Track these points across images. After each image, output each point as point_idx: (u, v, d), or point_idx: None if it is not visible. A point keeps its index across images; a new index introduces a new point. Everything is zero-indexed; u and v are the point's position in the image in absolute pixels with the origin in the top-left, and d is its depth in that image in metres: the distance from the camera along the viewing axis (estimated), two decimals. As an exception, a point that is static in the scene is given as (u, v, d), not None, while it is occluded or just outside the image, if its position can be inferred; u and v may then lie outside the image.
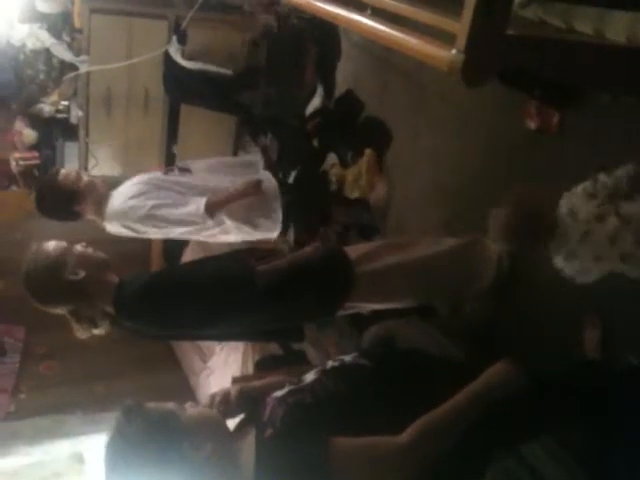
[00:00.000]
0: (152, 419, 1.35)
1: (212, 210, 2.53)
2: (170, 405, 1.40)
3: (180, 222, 2.54)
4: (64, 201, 2.53)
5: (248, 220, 2.65)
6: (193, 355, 4.28)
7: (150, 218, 2.52)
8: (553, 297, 2.10)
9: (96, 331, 2.04)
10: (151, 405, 1.39)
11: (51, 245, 2.00)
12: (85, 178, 2.62)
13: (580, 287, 1.75)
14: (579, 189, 1.76)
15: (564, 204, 1.76)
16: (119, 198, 2.57)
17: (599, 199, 1.70)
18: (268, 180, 2.82)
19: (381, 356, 1.65)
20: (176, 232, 2.61)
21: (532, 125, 2.27)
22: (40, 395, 4.19)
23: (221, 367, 3.86)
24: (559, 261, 1.77)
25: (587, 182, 1.76)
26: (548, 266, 1.80)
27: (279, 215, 2.72)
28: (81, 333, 2.03)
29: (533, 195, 1.81)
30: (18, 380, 4.26)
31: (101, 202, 2.58)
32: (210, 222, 2.55)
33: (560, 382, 1.61)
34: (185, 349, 4.38)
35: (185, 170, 2.78)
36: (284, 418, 1.41)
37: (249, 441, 1.40)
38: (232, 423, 1.54)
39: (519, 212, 1.76)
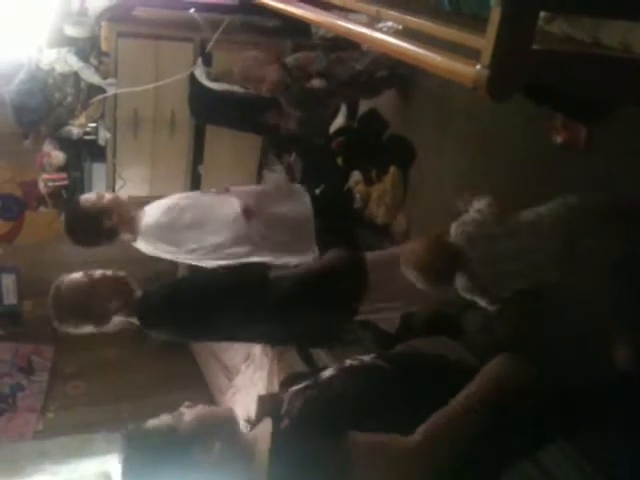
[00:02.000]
0: (154, 441, 1.38)
1: (249, 213, 2.52)
2: (166, 419, 1.42)
3: (216, 231, 2.50)
4: (92, 221, 2.50)
5: (284, 247, 2.64)
6: (219, 374, 4.28)
7: (186, 230, 2.50)
8: (582, 312, 2.07)
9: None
10: (150, 425, 1.41)
11: (75, 278, 2.07)
12: (107, 195, 2.61)
13: (610, 303, 1.74)
14: (468, 218, 1.93)
15: (457, 234, 1.91)
16: (154, 213, 2.56)
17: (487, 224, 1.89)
18: (305, 205, 2.82)
19: (400, 359, 1.66)
20: (210, 254, 2.54)
21: (559, 140, 2.25)
22: (68, 414, 4.22)
23: (247, 385, 3.86)
24: (461, 284, 1.89)
25: (473, 210, 1.94)
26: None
27: (312, 237, 2.72)
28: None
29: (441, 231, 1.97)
30: (46, 399, 4.30)
31: (132, 218, 2.57)
32: (245, 229, 2.51)
33: (588, 392, 1.59)
34: (211, 368, 4.38)
35: (225, 190, 2.76)
36: (301, 409, 1.43)
37: (264, 430, 1.42)
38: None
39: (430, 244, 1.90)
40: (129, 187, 4.03)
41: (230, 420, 1.47)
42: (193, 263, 2.64)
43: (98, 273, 2.08)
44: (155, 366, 4.20)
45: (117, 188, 4.00)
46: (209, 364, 4.38)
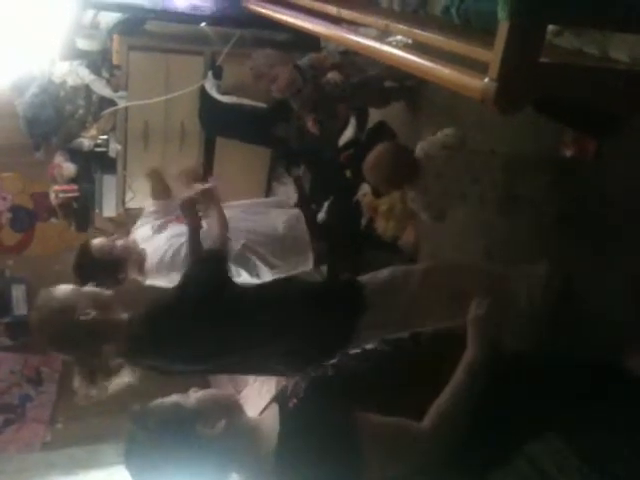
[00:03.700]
0: (160, 416, 1.38)
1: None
2: (172, 397, 1.43)
3: None
4: (106, 272, 2.50)
5: (280, 264, 2.68)
6: (227, 385, 4.28)
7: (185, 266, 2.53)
8: (595, 327, 2.06)
9: (94, 391, 2.04)
10: (155, 404, 1.42)
11: (60, 289, 1.99)
12: (120, 243, 2.61)
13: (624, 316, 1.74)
14: (436, 139, 2.28)
15: (421, 149, 2.25)
16: (157, 253, 2.60)
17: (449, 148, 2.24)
18: (297, 219, 2.84)
19: (402, 345, 1.67)
20: None
21: (568, 153, 2.25)
22: (76, 425, 4.22)
23: (255, 398, 3.85)
24: (411, 195, 2.26)
25: (441, 134, 2.30)
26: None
27: (309, 248, 2.74)
28: (82, 390, 2.03)
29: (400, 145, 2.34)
30: (54, 410, 4.30)
31: (140, 261, 2.60)
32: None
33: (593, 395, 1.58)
34: (219, 380, 4.38)
35: None
36: (307, 389, 1.44)
37: (271, 412, 1.43)
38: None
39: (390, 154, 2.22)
40: (139, 199, 4.05)
41: (234, 405, 1.48)
42: None
43: (94, 315, 1.93)
44: (164, 377, 4.18)
45: (127, 200, 4.02)
46: (217, 376, 4.38)
